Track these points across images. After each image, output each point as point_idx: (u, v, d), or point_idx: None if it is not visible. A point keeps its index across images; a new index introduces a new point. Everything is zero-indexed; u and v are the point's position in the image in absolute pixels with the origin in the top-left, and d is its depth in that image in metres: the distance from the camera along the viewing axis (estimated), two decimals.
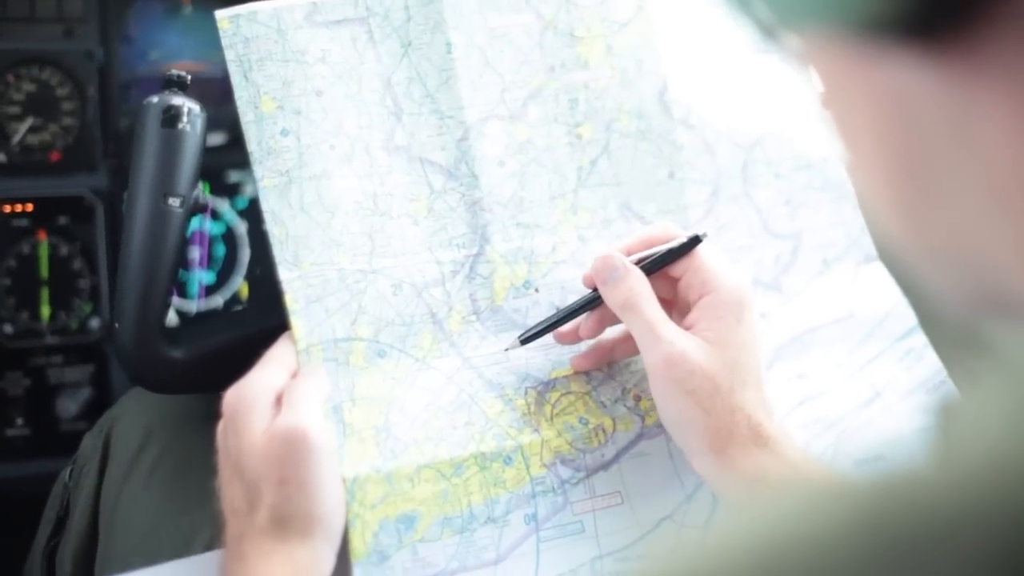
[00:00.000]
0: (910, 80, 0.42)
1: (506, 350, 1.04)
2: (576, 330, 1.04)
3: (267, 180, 1.01)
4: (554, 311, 1.05)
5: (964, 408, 0.38)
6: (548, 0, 1.10)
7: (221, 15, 1.02)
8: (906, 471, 0.37)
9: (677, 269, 1.01)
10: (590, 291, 1.03)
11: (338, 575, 0.95)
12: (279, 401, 0.95)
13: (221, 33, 1.02)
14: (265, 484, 0.92)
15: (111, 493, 1.16)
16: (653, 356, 0.97)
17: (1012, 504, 0.34)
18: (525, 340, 1.03)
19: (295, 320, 1.00)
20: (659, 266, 1.01)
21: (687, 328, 0.98)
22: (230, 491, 0.95)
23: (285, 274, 1.00)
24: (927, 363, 1.11)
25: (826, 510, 0.37)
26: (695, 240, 1.01)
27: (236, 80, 1.02)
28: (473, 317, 1.05)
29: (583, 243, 1.08)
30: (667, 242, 1.02)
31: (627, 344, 1.02)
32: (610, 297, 0.99)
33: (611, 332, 1.05)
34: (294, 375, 0.98)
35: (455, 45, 1.07)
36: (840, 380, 1.10)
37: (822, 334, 1.11)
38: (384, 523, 0.97)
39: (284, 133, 1.02)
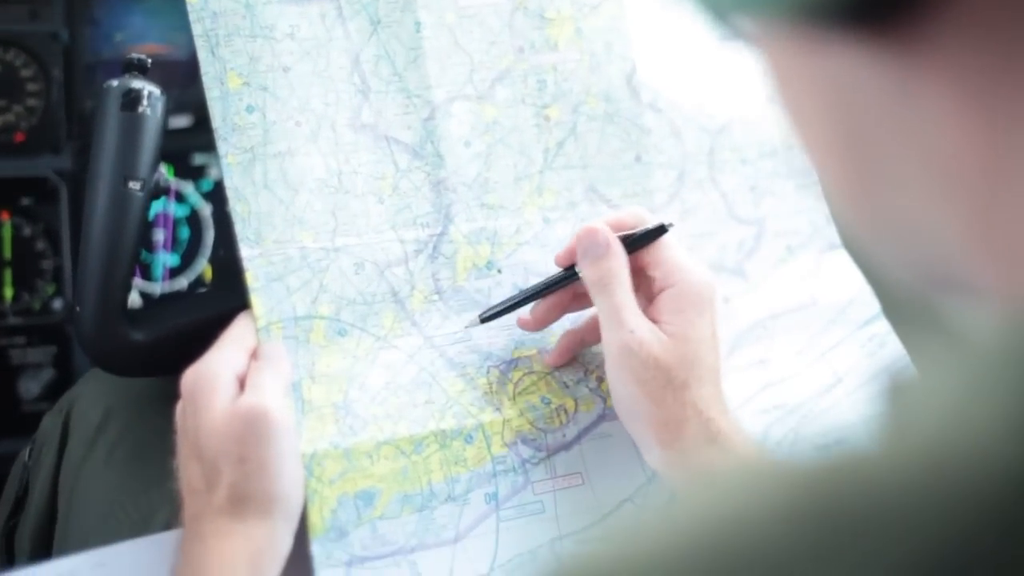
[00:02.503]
0: (855, 67, 0.42)
1: (466, 327, 1.04)
2: (535, 316, 1.04)
3: (231, 157, 1.01)
4: (516, 292, 1.05)
5: (912, 388, 0.38)
6: None
7: None
8: (854, 453, 0.37)
9: (643, 258, 1.01)
10: (558, 271, 1.03)
11: (296, 553, 0.95)
12: (238, 380, 0.95)
13: (189, 7, 1.02)
14: (224, 463, 0.92)
15: (70, 473, 1.16)
16: (612, 340, 0.98)
17: (959, 483, 0.34)
18: (486, 319, 1.04)
19: (255, 298, 1.00)
20: (632, 249, 1.01)
21: (652, 319, 0.99)
22: (188, 470, 0.95)
23: (246, 251, 1.00)
24: (890, 349, 1.12)
25: (772, 494, 0.37)
26: (662, 228, 1.01)
27: (203, 55, 1.02)
28: (435, 296, 1.05)
29: (548, 225, 1.09)
30: (636, 227, 1.02)
31: (597, 332, 1.02)
32: (588, 272, 1.00)
33: (579, 320, 1.06)
34: (253, 354, 0.98)
35: (424, 24, 1.07)
36: (802, 366, 1.11)
37: (784, 320, 1.12)
38: (343, 499, 0.97)
39: (249, 110, 1.02)
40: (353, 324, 1.02)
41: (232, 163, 1.01)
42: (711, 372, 0.99)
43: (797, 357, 1.11)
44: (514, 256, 1.07)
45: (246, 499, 0.92)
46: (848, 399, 1.09)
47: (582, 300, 1.04)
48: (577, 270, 1.01)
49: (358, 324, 1.02)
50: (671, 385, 0.96)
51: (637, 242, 1.01)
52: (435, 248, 1.05)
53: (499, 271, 1.06)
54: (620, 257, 0.99)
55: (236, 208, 1.01)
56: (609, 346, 0.98)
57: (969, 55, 0.39)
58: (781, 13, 0.41)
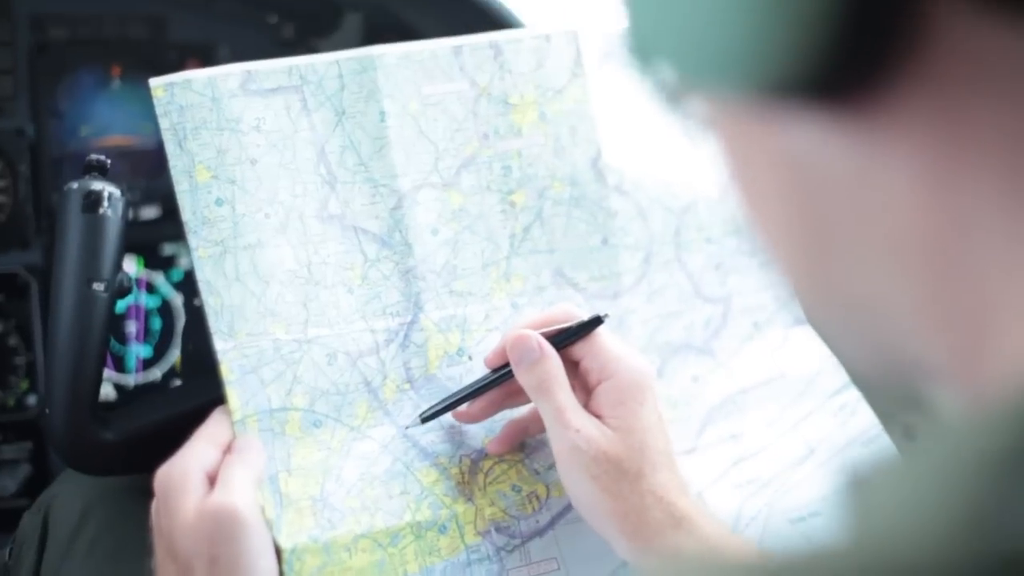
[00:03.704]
0: (813, 143, 0.42)
1: (406, 428, 1.04)
2: (471, 411, 1.05)
3: (202, 250, 1.01)
4: (454, 391, 1.06)
5: (873, 483, 0.38)
6: (483, 67, 1.10)
7: (155, 83, 1.02)
8: (815, 551, 0.37)
9: (577, 352, 1.02)
10: (491, 370, 1.04)
11: None
12: (208, 478, 0.95)
13: (156, 102, 1.02)
14: (197, 562, 0.91)
15: (50, 571, 1.16)
16: (559, 442, 0.98)
17: None
18: (426, 418, 1.04)
19: (230, 391, 0.99)
20: (562, 345, 1.01)
21: (594, 414, 0.99)
22: (164, 569, 0.95)
23: (220, 344, 1.00)
24: (861, 417, 1.12)
25: None
26: (596, 320, 1.02)
27: (171, 149, 1.02)
28: (407, 385, 1.05)
29: (516, 311, 1.09)
30: (567, 322, 1.02)
31: (540, 421, 1.01)
32: (524, 378, 1.00)
33: (522, 411, 1.06)
34: (227, 450, 0.98)
35: (388, 114, 1.07)
36: (773, 438, 1.11)
37: (754, 395, 1.12)
38: None
39: (219, 203, 1.02)
40: (327, 415, 1.02)
41: (203, 256, 1.01)
42: (663, 457, 0.99)
43: (768, 429, 1.11)
44: (484, 342, 1.07)
45: None
46: (821, 470, 1.09)
47: (517, 397, 1.04)
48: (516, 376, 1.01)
49: (332, 415, 1.02)
50: (625, 477, 0.96)
51: (572, 336, 1.02)
52: (406, 336, 1.05)
53: (470, 358, 1.07)
54: (554, 359, 1.00)
55: (209, 301, 1.00)
56: (557, 448, 0.99)
57: (929, 131, 0.39)
58: (738, 91, 0.42)
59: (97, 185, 1.03)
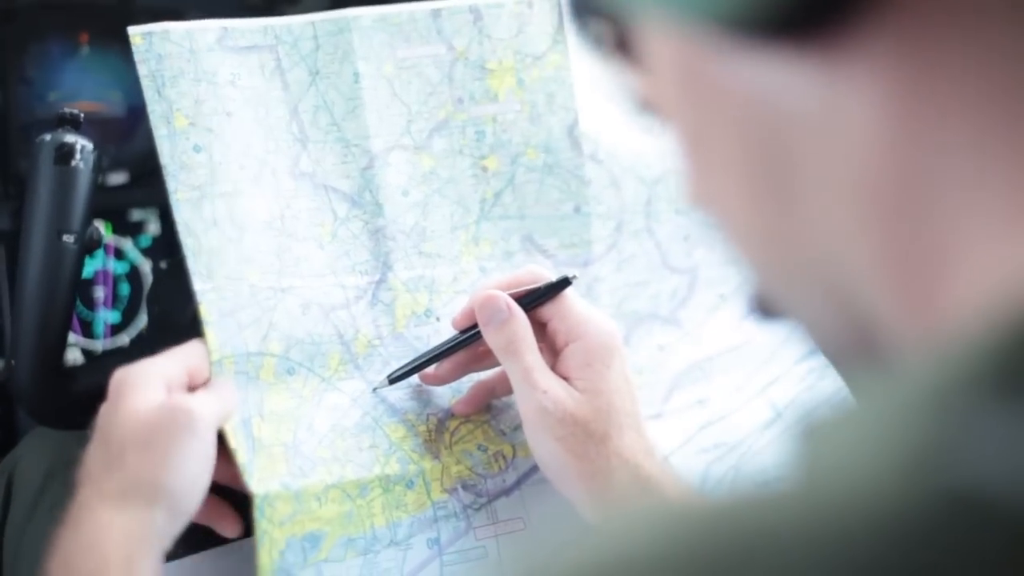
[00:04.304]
0: (775, 79, 0.41)
1: (374, 390, 1.05)
2: (438, 373, 1.06)
3: (180, 193, 1.02)
4: (421, 352, 1.07)
5: (825, 429, 0.38)
6: (461, 31, 1.11)
7: (134, 31, 1.03)
8: (761, 494, 0.36)
9: (545, 313, 1.03)
10: (459, 332, 1.05)
11: None
12: (167, 387, 0.96)
13: (134, 49, 1.03)
14: (131, 449, 0.92)
15: (14, 533, 1.16)
16: (526, 403, 0.99)
17: (860, 525, 0.33)
18: (394, 380, 1.05)
19: (208, 331, 1.00)
20: (531, 306, 1.02)
21: (562, 375, 1.00)
22: (91, 456, 0.95)
23: (199, 285, 1.01)
24: (829, 381, 1.12)
25: (672, 533, 0.36)
26: (565, 281, 1.03)
27: (149, 95, 1.03)
28: (377, 341, 1.06)
29: (484, 274, 1.10)
30: (534, 283, 1.03)
31: (507, 383, 1.04)
32: (492, 339, 1.01)
33: (489, 373, 1.07)
34: (193, 377, 0.99)
35: (363, 75, 1.08)
36: (740, 403, 1.12)
37: (721, 361, 1.13)
38: (291, 541, 0.97)
39: (197, 149, 1.03)
40: (301, 363, 1.03)
41: (182, 199, 1.02)
42: (630, 419, 0.99)
43: (735, 394, 1.12)
44: (452, 304, 1.08)
45: (136, 486, 0.92)
46: (784, 434, 1.09)
47: (484, 359, 1.05)
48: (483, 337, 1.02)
49: (306, 364, 1.03)
50: (591, 439, 0.97)
51: (541, 296, 1.02)
52: (374, 295, 1.06)
53: (437, 319, 1.08)
54: (522, 320, 1.00)
55: (187, 243, 1.01)
56: (524, 409, 0.99)
57: (895, 67, 0.39)
58: (701, 24, 0.41)
59: (70, 138, 1.04)
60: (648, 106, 0.52)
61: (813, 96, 0.41)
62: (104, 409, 0.96)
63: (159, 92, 1.03)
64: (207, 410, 0.94)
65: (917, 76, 0.38)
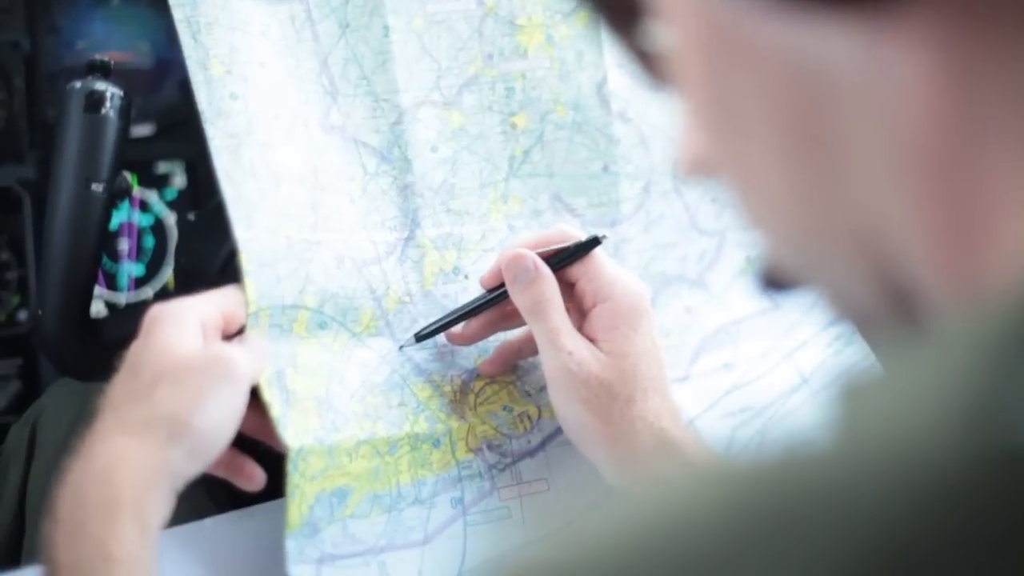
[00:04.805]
0: (816, 44, 0.40)
1: (401, 348, 1.05)
2: (465, 332, 1.05)
3: (218, 140, 1.01)
4: (449, 311, 1.06)
5: (866, 389, 0.37)
6: None
7: None
8: (803, 454, 0.36)
9: (573, 273, 1.02)
10: (486, 291, 1.04)
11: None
12: (203, 327, 0.94)
13: None
14: (162, 383, 0.91)
15: (38, 484, 1.16)
16: (551, 364, 0.99)
17: (908, 483, 0.33)
18: (421, 337, 1.05)
19: (248, 280, 0.99)
20: (559, 266, 1.01)
21: (588, 337, 0.99)
22: (116, 387, 0.94)
23: (240, 233, 0.99)
24: (856, 347, 1.11)
25: (716, 494, 0.36)
26: (594, 241, 1.02)
27: (185, 40, 1.02)
28: (407, 298, 1.06)
29: (512, 232, 1.10)
30: (564, 242, 1.02)
31: (533, 344, 1.03)
32: (519, 298, 1.01)
33: (515, 333, 1.07)
34: (230, 323, 0.98)
35: (392, 28, 1.08)
36: (767, 368, 1.12)
37: (748, 324, 1.13)
38: (320, 496, 0.97)
39: (233, 97, 1.02)
40: (333, 318, 1.02)
41: (220, 146, 1.01)
42: (656, 382, 0.99)
43: (762, 359, 1.11)
44: (480, 262, 1.08)
45: (161, 420, 0.90)
46: (814, 399, 1.09)
47: (511, 319, 1.05)
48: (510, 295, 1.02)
49: (338, 318, 1.03)
50: (616, 401, 0.97)
51: (570, 256, 1.02)
52: (403, 252, 1.06)
53: (466, 276, 1.08)
54: (549, 280, 1.00)
55: (227, 190, 1.00)
56: (549, 370, 0.99)
57: (944, 28, 0.37)
58: None
59: (100, 85, 1.04)
60: (655, 70, 0.50)
61: (857, 62, 0.39)
62: (136, 343, 0.94)
63: (195, 38, 1.02)
64: (247, 363, 0.94)
65: (964, 42, 0.37)
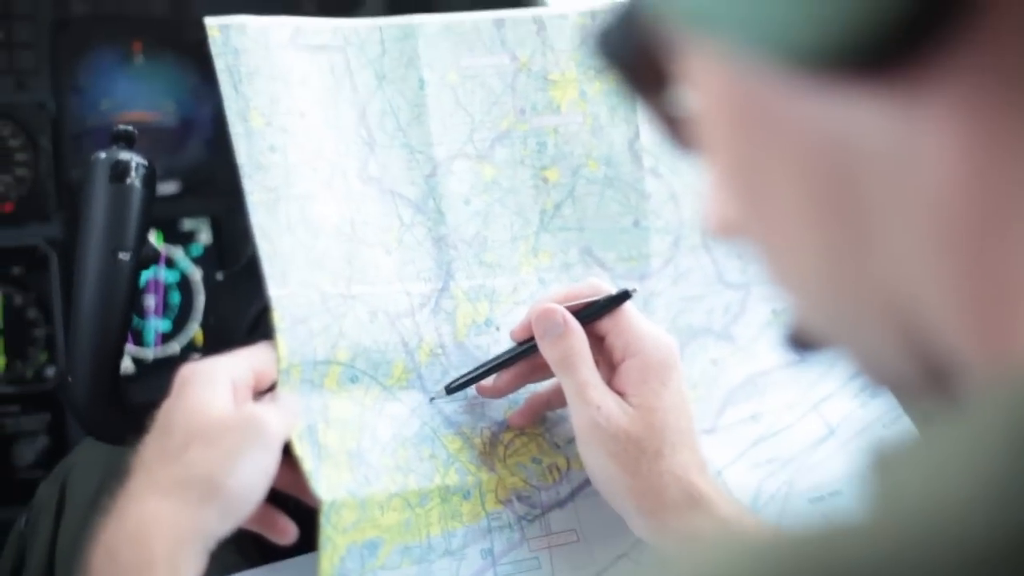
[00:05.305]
0: (846, 116, 0.40)
1: (432, 400, 1.05)
2: (496, 385, 1.06)
3: (256, 195, 1.01)
4: (479, 364, 1.06)
5: (900, 460, 0.37)
6: (525, 42, 1.12)
7: (211, 23, 1.02)
8: (840, 525, 0.36)
9: (603, 327, 1.03)
10: (517, 343, 1.05)
11: None
12: (234, 386, 0.94)
13: (211, 41, 1.02)
14: (194, 443, 0.91)
15: (67, 541, 1.17)
16: (580, 418, 0.99)
17: (944, 558, 0.33)
18: (452, 390, 1.05)
19: (280, 338, 0.99)
20: (589, 319, 1.02)
21: (617, 391, 1.00)
22: (148, 447, 0.94)
23: (275, 291, 1.00)
24: (883, 399, 1.11)
25: (756, 564, 0.36)
26: (624, 295, 1.02)
27: (226, 91, 1.02)
28: (440, 351, 1.06)
29: (543, 285, 1.10)
30: (593, 296, 1.03)
31: (562, 396, 1.03)
32: (548, 352, 1.01)
33: (544, 385, 1.07)
34: (268, 390, 0.98)
35: (427, 82, 1.09)
36: (793, 419, 1.12)
37: (775, 376, 1.13)
38: (351, 548, 0.97)
39: (272, 149, 1.02)
40: (365, 372, 1.02)
41: (257, 202, 1.01)
42: (684, 436, 0.99)
43: (788, 410, 1.11)
44: (511, 314, 1.08)
45: (193, 481, 0.90)
46: (841, 450, 1.09)
47: (541, 371, 1.05)
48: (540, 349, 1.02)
49: (369, 372, 1.03)
50: (644, 456, 0.97)
51: (600, 309, 1.02)
52: (437, 303, 1.07)
53: (497, 328, 1.08)
54: (579, 334, 1.00)
55: (262, 246, 1.00)
56: (578, 423, 0.99)
57: (975, 104, 0.38)
58: (765, 55, 0.40)
59: (125, 155, 1.05)
60: (680, 136, 0.51)
61: (887, 134, 0.40)
62: (168, 403, 0.94)
63: (235, 88, 1.02)
64: (279, 423, 0.94)
65: (993, 114, 0.38)
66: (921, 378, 0.44)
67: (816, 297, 0.46)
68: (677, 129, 0.51)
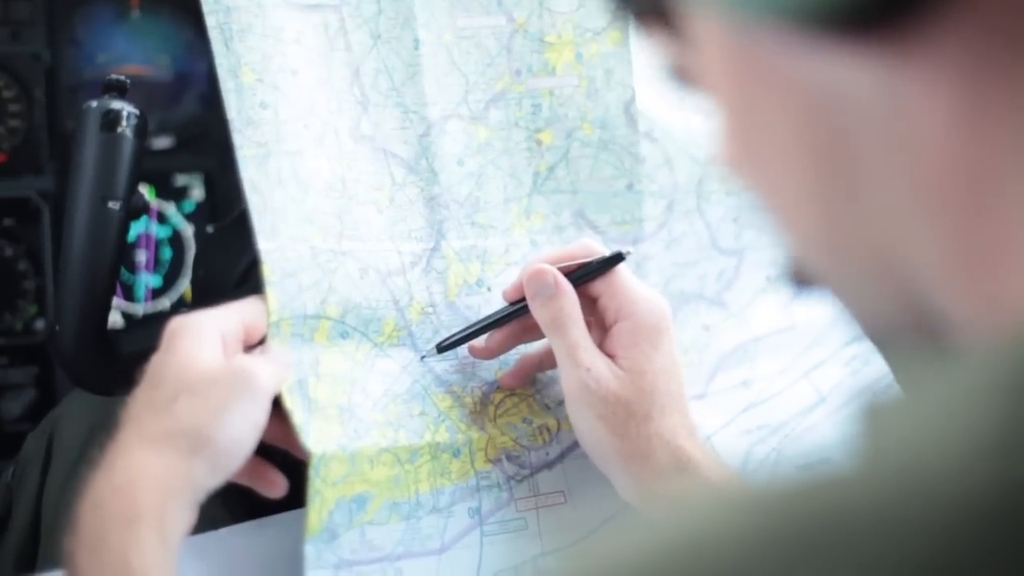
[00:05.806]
0: (839, 73, 0.41)
1: (423, 358, 1.05)
2: (488, 345, 1.05)
3: (247, 150, 1.01)
4: (470, 323, 1.07)
5: (890, 409, 0.37)
6: (522, 3, 1.12)
7: None
8: (828, 476, 0.36)
9: (595, 289, 1.03)
10: (508, 304, 1.05)
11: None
12: (223, 339, 0.94)
13: (202, 1, 1.02)
14: (183, 395, 0.91)
15: (54, 493, 1.18)
16: (569, 379, 0.99)
17: (935, 506, 0.33)
18: (443, 348, 1.05)
19: (270, 291, 0.99)
20: (582, 281, 1.02)
21: (608, 353, 1.00)
22: (137, 399, 0.94)
23: (264, 244, 1.01)
24: (874, 367, 1.12)
25: (743, 517, 0.36)
26: (618, 257, 1.02)
27: (217, 47, 1.02)
28: (430, 309, 1.07)
29: (535, 247, 1.10)
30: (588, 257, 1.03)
31: (553, 357, 1.03)
32: (539, 313, 1.01)
33: (536, 346, 1.07)
34: (259, 343, 0.98)
35: (423, 42, 1.09)
36: (784, 385, 1.13)
37: (767, 342, 1.14)
38: (340, 502, 0.98)
39: (263, 106, 1.03)
40: (355, 328, 1.03)
41: (248, 156, 1.02)
42: (674, 400, 0.99)
43: (780, 377, 1.12)
44: (503, 275, 1.09)
45: (182, 432, 0.90)
46: (831, 418, 1.10)
47: (533, 332, 1.05)
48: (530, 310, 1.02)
49: (360, 328, 1.03)
50: (633, 419, 0.97)
51: (593, 271, 1.02)
52: (428, 262, 1.07)
53: (488, 289, 1.08)
54: (570, 295, 1.00)
55: (252, 200, 1.01)
56: (567, 385, 1.00)
57: (969, 61, 0.38)
58: (761, 13, 0.40)
59: (116, 104, 1.05)
60: (686, 77, 0.50)
61: (879, 91, 0.40)
62: (157, 356, 0.94)
63: (227, 45, 1.02)
64: (268, 376, 0.94)
65: (985, 72, 0.38)
66: (911, 328, 0.44)
67: (810, 243, 0.46)
68: (683, 70, 0.51)
